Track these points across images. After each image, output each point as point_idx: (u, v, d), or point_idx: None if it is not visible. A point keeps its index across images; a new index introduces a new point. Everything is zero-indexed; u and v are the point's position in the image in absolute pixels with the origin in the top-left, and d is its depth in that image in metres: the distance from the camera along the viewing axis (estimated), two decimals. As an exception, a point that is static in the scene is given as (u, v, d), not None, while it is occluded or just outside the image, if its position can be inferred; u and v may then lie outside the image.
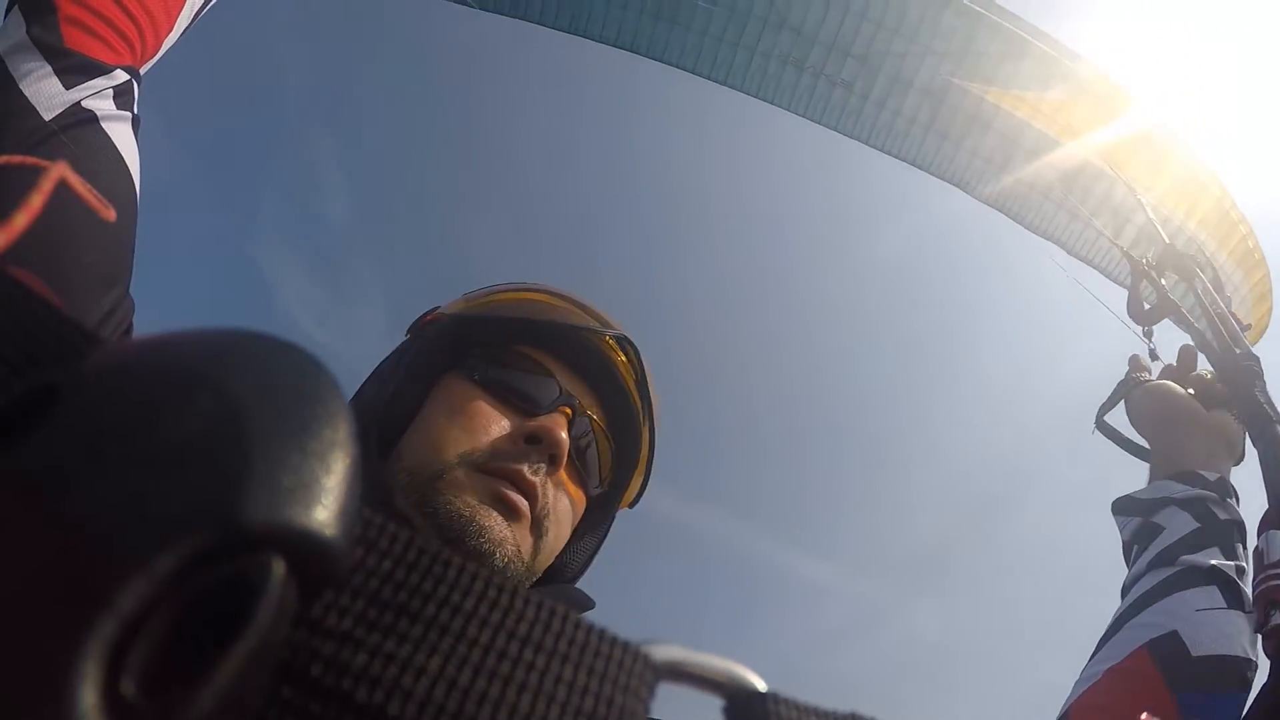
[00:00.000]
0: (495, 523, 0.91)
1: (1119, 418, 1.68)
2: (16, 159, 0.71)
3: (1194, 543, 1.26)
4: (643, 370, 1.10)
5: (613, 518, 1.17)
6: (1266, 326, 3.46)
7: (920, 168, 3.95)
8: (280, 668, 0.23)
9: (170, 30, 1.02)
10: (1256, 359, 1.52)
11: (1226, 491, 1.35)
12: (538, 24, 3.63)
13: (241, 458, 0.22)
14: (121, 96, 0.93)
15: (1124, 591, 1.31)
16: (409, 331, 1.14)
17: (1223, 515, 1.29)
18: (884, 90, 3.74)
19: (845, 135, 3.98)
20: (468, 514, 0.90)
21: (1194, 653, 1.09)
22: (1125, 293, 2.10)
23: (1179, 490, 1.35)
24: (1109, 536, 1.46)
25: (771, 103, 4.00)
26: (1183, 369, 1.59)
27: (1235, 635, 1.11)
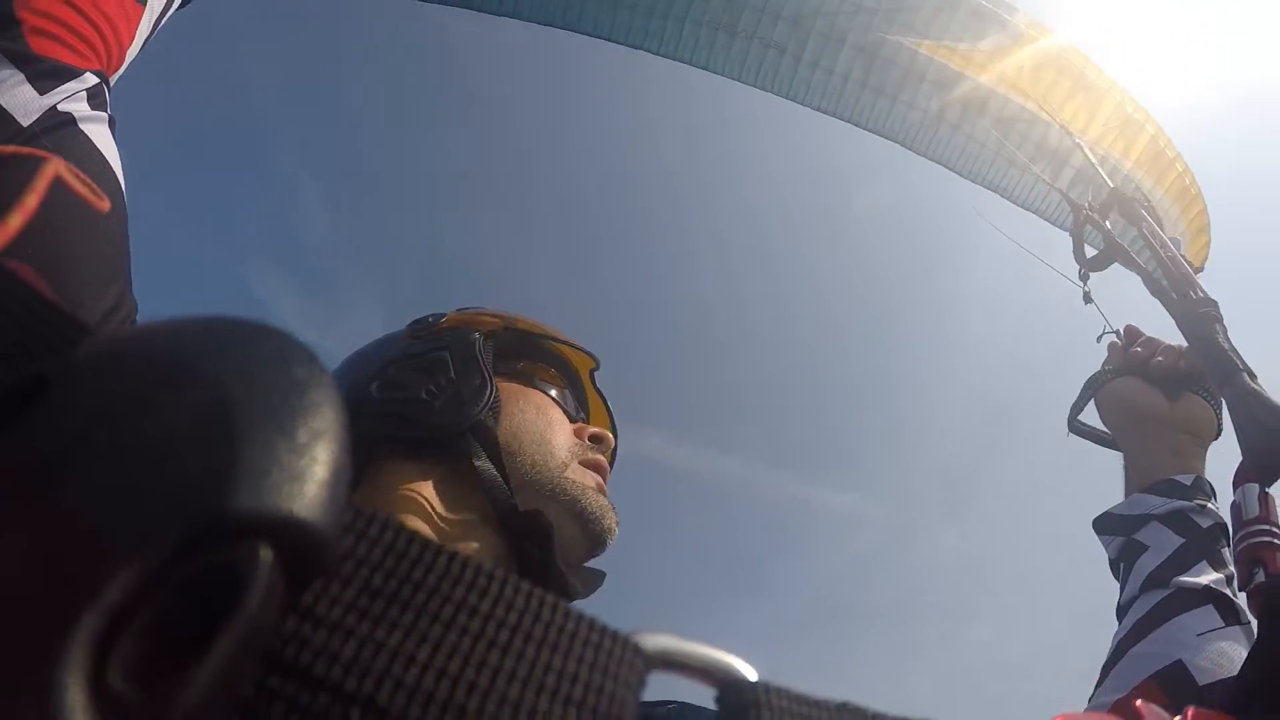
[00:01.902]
0: (610, 508, 1.07)
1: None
2: (11, 149, 0.72)
3: (1183, 561, 1.24)
4: (601, 396, 1.30)
5: None
6: (1206, 258, 3.52)
7: (858, 125, 3.94)
8: (270, 657, 0.23)
9: (132, 40, 1.02)
10: (1214, 303, 1.45)
11: (1204, 493, 1.32)
12: (464, 8, 3.53)
13: (228, 447, 0.22)
14: (95, 99, 0.93)
15: (1119, 613, 1.29)
16: (414, 334, 1.17)
17: (1205, 523, 1.27)
18: (816, 50, 3.71)
19: (782, 97, 3.94)
20: (599, 501, 1.05)
21: (1200, 681, 1.08)
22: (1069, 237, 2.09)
23: (1157, 504, 1.32)
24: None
25: (706, 69, 3.96)
26: (1132, 347, 1.53)
27: (1237, 657, 1.09)
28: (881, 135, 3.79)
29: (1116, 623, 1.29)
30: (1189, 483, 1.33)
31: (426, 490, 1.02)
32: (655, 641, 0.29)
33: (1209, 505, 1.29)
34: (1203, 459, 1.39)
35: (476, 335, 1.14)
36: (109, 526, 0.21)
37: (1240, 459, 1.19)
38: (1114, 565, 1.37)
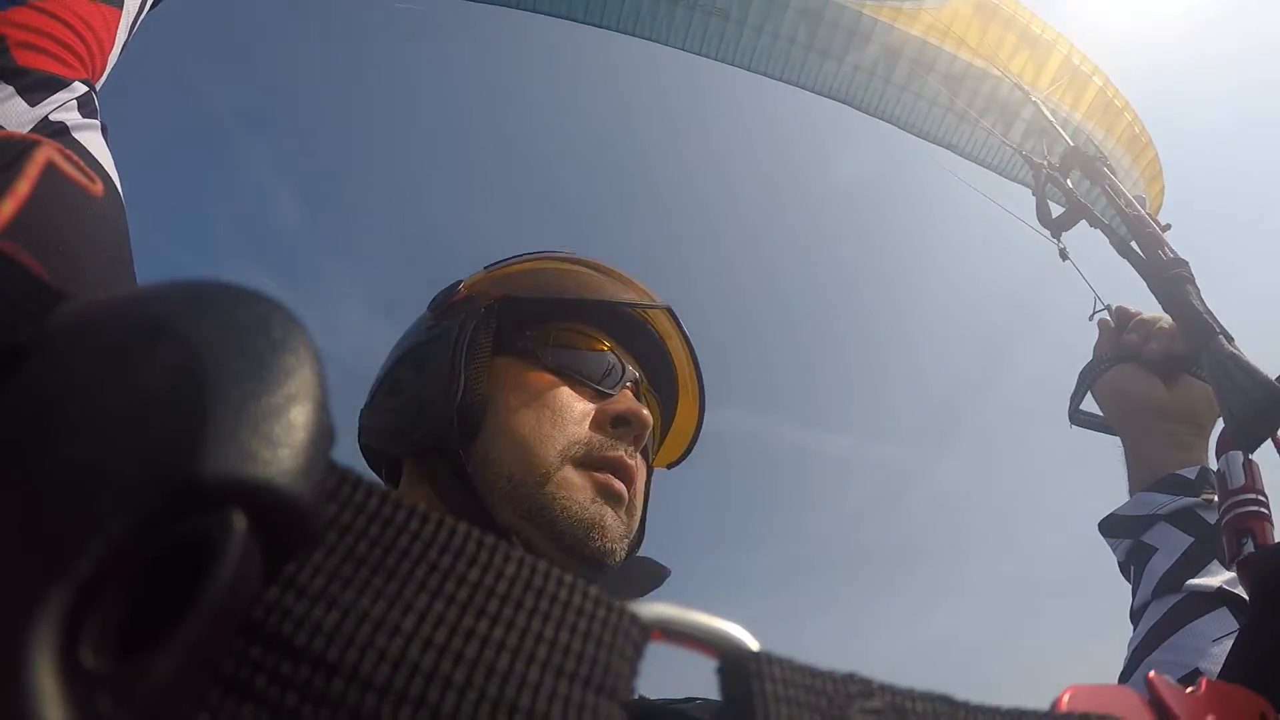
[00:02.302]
0: (610, 519, 0.91)
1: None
2: (3, 134, 0.69)
3: (1194, 561, 1.20)
4: (689, 339, 1.13)
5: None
6: (1160, 206, 3.54)
7: (806, 88, 3.91)
8: (250, 627, 0.22)
9: (113, 45, 1.01)
10: (1184, 262, 1.39)
11: (1210, 485, 1.26)
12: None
13: (200, 411, 0.22)
14: (85, 107, 0.93)
15: (1133, 618, 1.26)
16: (434, 313, 1.07)
17: (1213, 519, 1.21)
18: (760, 14, 3.67)
19: (729, 64, 3.90)
20: (587, 517, 0.89)
21: None
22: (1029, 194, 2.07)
23: (1163, 503, 1.28)
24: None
25: (650, 39, 3.90)
26: (1126, 332, 1.47)
27: None
28: (831, 98, 3.76)
29: (1131, 628, 1.25)
30: (1194, 476, 1.29)
31: (424, 497, 0.94)
32: (653, 611, 0.28)
33: (1215, 498, 1.22)
34: (1205, 448, 1.35)
35: (465, 316, 1.01)
36: (76, 497, 0.20)
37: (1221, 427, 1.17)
38: (1124, 568, 1.33)
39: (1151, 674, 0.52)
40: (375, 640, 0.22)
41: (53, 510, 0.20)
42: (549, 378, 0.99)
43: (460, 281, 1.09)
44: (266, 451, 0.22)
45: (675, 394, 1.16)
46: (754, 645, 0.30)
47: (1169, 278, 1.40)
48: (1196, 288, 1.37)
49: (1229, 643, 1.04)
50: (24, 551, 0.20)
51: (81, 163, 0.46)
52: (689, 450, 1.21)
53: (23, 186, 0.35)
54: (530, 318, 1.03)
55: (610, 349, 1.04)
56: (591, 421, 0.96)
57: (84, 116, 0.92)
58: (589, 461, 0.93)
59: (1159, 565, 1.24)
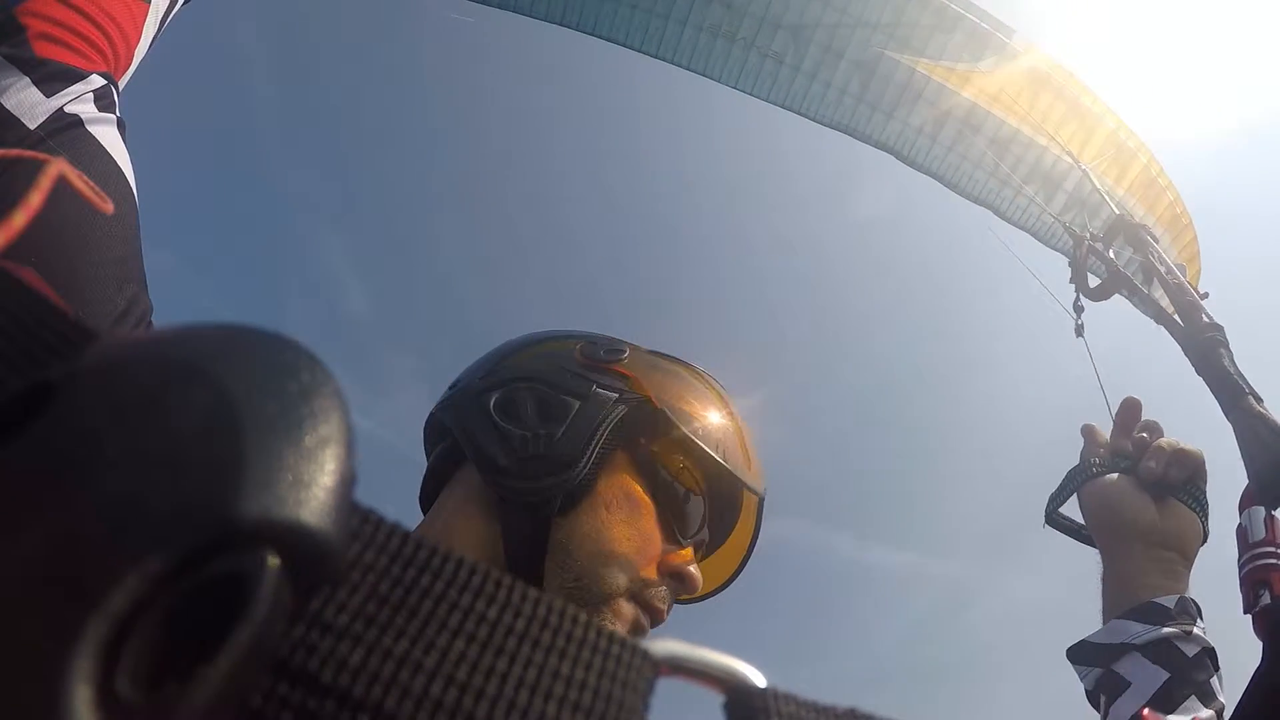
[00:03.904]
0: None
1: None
2: (14, 152, 0.73)
3: (1168, 699, 1.12)
4: (757, 534, 1.11)
5: None
6: (1195, 287, 3.55)
7: (853, 136, 3.97)
8: (278, 664, 0.23)
9: (139, 39, 1.01)
10: (1219, 327, 1.42)
11: (1189, 615, 1.19)
12: (480, 2, 3.53)
13: (235, 454, 0.22)
14: (102, 100, 0.94)
15: None
16: (587, 363, 1.04)
17: (1191, 650, 1.16)
18: (815, 62, 3.74)
19: (778, 106, 3.96)
20: None
21: None
22: (1061, 258, 2.09)
23: (1139, 632, 1.20)
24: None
25: (704, 75, 3.97)
26: (1128, 428, 1.36)
27: None
28: (878, 148, 3.81)
29: None
30: (1172, 605, 1.21)
31: (475, 529, 0.95)
32: (664, 647, 0.29)
33: (1194, 630, 1.18)
34: (1187, 579, 1.26)
35: (615, 398, 0.99)
36: (115, 534, 0.21)
37: (1245, 483, 1.20)
38: (1091, 697, 1.26)
39: (1145, 711, 0.53)
40: (399, 677, 0.23)
41: (91, 544, 0.21)
42: (649, 504, 0.98)
43: (625, 348, 1.07)
44: (297, 493, 0.23)
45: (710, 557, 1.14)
46: (761, 682, 0.30)
47: (1203, 340, 1.44)
48: (1229, 351, 1.40)
49: None
50: (63, 583, 0.20)
51: (92, 182, 0.48)
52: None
53: (35, 198, 0.35)
54: (660, 428, 1.01)
55: (703, 500, 1.03)
56: (659, 565, 0.97)
57: (100, 110, 0.93)
58: (641, 599, 0.94)
59: (1129, 705, 1.16)
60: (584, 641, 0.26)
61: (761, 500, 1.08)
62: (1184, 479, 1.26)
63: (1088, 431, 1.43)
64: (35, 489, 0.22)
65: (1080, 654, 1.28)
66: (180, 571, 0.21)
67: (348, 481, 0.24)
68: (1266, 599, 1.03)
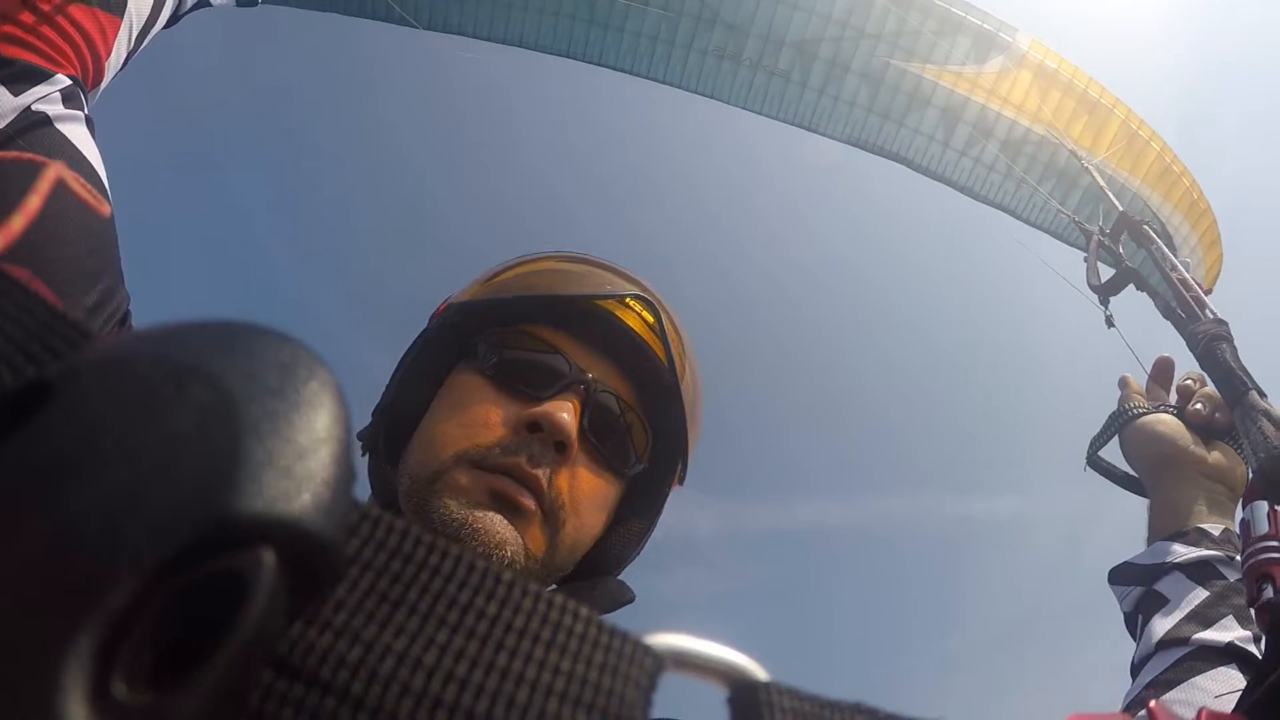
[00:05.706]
0: (493, 524, 0.86)
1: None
2: (12, 154, 0.73)
3: (1206, 615, 1.14)
4: (667, 329, 1.01)
5: (664, 497, 1.08)
6: (1219, 272, 3.52)
7: (864, 148, 3.97)
8: (276, 662, 0.23)
9: (109, 52, 1.03)
10: (1223, 323, 1.44)
11: (1233, 545, 1.21)
12: (472, 37, 3.59)
13: (232, 450, 0.22)
14: (70, 99, 0.94)
15: (1133, 671, 1.20)
16: (437, 314, 1.08)
17: (1233, 576, 1.17)
18: (822, 76, 3.75)
19: (787, 123, 3.98)
20: (461, 517, 0.85)
21: None
22: (1080, 256, 2.10)
23: (1182, 553, 1.22)
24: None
25: (712, 97, 4.00)
26: (1163, 382, 1.44)
27: None
28: (890, 159, 3.82)
29: (1130, 681, 1.20)
30: (1218, 533, 1.24)
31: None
32: (666, 641, 0.29)
33: (1238, 558, 1.17)
34: (1234, 513, 1.29)
35: (424, 330, 1.05)
36: (110, 532, 0.21)
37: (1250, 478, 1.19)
38: (1129, 620, 1.28)
39: (1153, 703, 0.55)
40: (398, 674, 0.23)
41: (87, 542, 0.21)
42: (479, 382, 0.95)
43: (451, 295, 1.08)
44: (295, 491, 0.22)
45: (673, 396, 1.03)
46: (763, 676, 0.30)
47: (1207, 335, 1.44)
48: (1233, 346, 1.40)
49: (1233, 700, 1.01)
50: (58, 582, 0.20)
51: (89, 185, 0.46)
52: (684, 463, 1.09)
53: (33, 202, 0.35)
54: (492, 323, 1.00)
55: (561, 350, 0.97)
56: (505, 426, 0.91)
57: (67, 108, 0.93)
58: (486, 465, 0.89)
59: (1167, 617, 1.18)
60: (584, 636, 0.26)
61: (641, 298, 1.00)
62: (1227, 425, 1.32)
63: (1124, 382, 1.49)
64: (33, 487, 0.22)
65: (1122, 575, 1.31)
66: (177, 570, 0.21)
67: (346, 478, 0.24)
68: (1269, 593, 1.03)
